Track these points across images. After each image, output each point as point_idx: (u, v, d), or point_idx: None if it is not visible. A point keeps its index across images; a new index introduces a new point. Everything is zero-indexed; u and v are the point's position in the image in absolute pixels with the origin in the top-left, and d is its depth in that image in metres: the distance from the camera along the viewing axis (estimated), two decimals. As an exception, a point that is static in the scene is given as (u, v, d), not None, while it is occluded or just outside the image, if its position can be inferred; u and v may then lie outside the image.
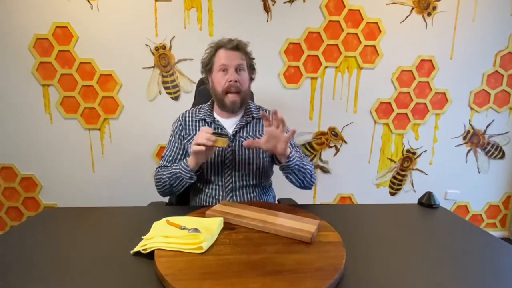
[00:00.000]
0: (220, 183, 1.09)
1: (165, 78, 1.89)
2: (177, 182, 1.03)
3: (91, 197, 2.00)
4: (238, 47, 1.06)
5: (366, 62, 1.93)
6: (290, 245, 0.70)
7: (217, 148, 1.00)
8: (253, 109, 1.16)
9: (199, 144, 0.91)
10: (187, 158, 1.03)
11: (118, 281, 0.60)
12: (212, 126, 1.10)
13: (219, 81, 1.05)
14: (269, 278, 0.57)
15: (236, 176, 1.09)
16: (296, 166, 1.00)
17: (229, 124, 1.11)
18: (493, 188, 2.17)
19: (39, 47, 1.80)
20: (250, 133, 1.12)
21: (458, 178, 2.13)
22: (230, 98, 1.05)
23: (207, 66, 1.10)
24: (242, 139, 1.09)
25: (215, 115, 1.13)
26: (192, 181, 1.02)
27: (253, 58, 1.13)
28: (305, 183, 1.07)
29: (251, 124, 1.13)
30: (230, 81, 1.03)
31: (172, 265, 0.61)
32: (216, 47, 1.07)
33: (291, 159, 0.97)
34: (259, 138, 1.10)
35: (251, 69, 1.13)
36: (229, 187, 1.09)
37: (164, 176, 1.06)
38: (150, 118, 1.92)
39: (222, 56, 1.05)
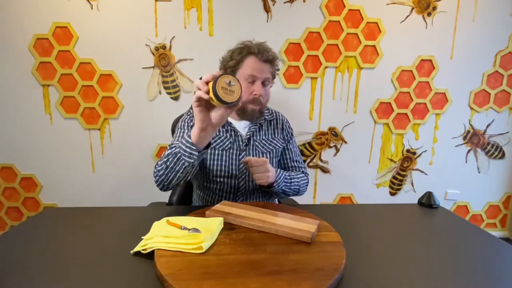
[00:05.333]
0: (233, 184, 1.07)
1: (165, 78, 1.89)
2: (174, 161, 0.86)
3: (91, 197, 2.00)
4: (271, 60, 1.02)
5: (366, 62, 1.93)
6: (290, 245, 0.70)
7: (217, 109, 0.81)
8: (264, 111, 1.12)
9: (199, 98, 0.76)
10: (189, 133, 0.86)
11: (118, 281, 0.59)
12: (225, 127, 1.07)
13: (244, 90, 0.98)
14: (269, 278, 0.57)
15: (250, 180, 1.07)
16: (280, 191, 1.04)
17: (242, 126, 1.09)
18: (493, 188, 2.17)
19: (39, 47, 1.80)
20: (264, 137, 1.10)
21: (458, 178, 2.13)
22: (251, 106, 1.03)
23: (231, 67, 1.02)
24: (257, 143, 1.08)
25: None
26: (192, 160, 0.84)
27: (278, 69, 1.09)
28: (292, 195, 1.12)
29: (264, 126, 1.12)
30: (255, 94, 1.00)
31: (172, 265, 0.61)
32: (248, 52, 1.00)
33: (275, 187, 1.01)
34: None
35: (273, 78, 1.09)
36: (242, 190, 1.08)
37: (161, 161, 0.90)
38: (150, 118, 1.92)
39: (253, 66, 0.99)
